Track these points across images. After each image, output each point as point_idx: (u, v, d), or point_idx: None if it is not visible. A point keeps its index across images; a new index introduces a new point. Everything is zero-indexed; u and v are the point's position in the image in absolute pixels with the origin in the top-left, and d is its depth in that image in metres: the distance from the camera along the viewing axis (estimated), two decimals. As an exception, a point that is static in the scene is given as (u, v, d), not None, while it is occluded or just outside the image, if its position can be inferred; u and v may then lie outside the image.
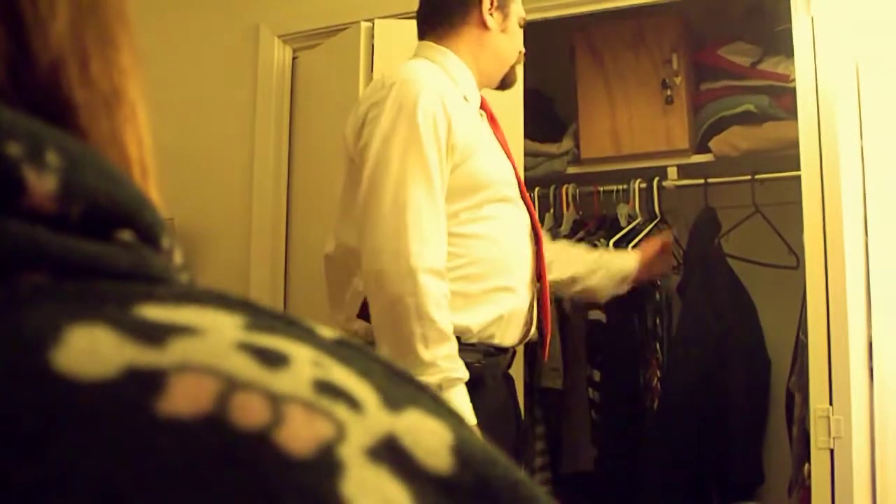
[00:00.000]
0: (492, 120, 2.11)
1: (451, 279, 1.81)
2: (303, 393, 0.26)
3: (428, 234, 1.77)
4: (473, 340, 1.88)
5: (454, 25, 2.05)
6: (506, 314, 1.93)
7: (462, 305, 1.85)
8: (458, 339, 1.81)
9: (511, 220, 1.99)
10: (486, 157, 1.95)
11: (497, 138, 2.08)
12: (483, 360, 1.89)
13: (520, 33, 2.11)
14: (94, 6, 0.33)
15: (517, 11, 2.08)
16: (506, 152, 2.07)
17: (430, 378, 1.69)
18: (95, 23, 0.33)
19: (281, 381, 0.26)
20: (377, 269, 1.76)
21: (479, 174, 1.91)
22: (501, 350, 1.96)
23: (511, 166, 2.06)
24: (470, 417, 1.69)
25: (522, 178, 2.15)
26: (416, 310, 1.72)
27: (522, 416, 2.22)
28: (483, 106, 2.10)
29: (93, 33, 0.32)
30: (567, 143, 3.07)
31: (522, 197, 2.06)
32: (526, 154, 2.71)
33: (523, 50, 2.13)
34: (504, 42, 2.06)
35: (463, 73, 2.02)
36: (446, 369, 1.73)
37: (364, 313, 1.86)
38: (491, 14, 2.03)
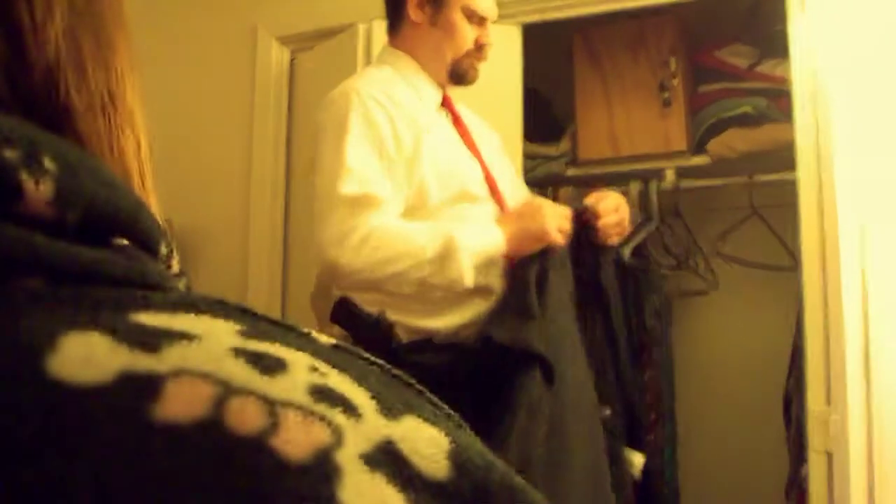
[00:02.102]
0: (456, 121, 2.07)
1: (430, 284, 1.83)
2: (299, 398, 0.26)
3: (346, 230, 1.78)
4: (453, 340, 1.87)
5: (395, 26, 2.08)
6: (483, 315, 1.89)
7: (433, 311, 1.85)
8: (431, 340, 1.81)
9: (478, 219, 1.94)
10: (435, 157, 1.93)
11: (463, 139, 2.05)
12: (461, 357, 1.86)
13: (465, 26, 2.00)
14: (90, 10, 0.33)
15: (461, 3, 2.00)
16: (474, 153, 2.03)
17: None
18: (92, 26, 0.33)
19: (277, 387, 0.26)
20: (321, 269, 1.86)
21: (427, 174, 1.90)
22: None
23: (480, 166, 2.01)
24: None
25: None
26: (371, 280, 1.80)
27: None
28: (447, 104, 2.07)
29: (89, 37, 0.32)
30: (565, 145, 3.08)
31: (496, 197, 2.01)
32: (524, 156, 2.71)
33: (485, 42, 2.02)
34: (438, 36, 2.01)
35: (415, 73, 2.02)
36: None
37: (335, 317, 1.84)
38: (420, 8, 2.01)
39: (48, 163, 0.27)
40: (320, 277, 1.94)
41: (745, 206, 2.81)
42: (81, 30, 0.32)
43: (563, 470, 1.80)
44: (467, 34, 2.01)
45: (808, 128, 2.21)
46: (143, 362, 0.25)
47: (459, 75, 2.03)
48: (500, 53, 2.56)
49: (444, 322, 1.87)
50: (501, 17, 2.67)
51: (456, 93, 2.10)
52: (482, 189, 1.99)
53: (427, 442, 0.27)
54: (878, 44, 2.20)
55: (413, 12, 2.01)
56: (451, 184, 1.93)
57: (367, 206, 1.80)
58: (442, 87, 2.06)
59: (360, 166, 1.82)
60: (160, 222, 0.31)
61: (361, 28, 2.69)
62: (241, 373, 0.26)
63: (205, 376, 0.25)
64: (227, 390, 0.25)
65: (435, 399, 0.30)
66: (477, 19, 2.02)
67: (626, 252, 2.75)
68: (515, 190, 2.13)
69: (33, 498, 0.23)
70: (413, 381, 0.30)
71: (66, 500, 0.23)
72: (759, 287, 2.96)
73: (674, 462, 2.86)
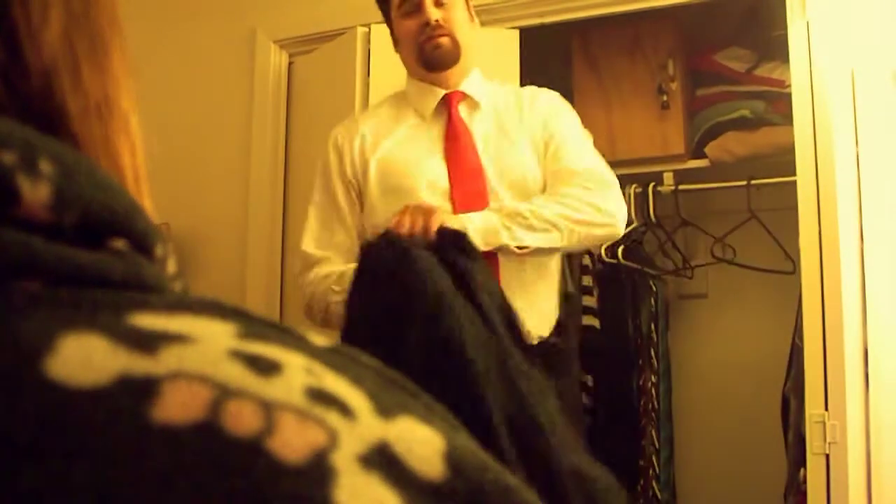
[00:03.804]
0: (450, 120, 2.10)
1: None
2: (295, 400, 0.26)
3: (309, 246, 2.11)
4: None
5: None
6: None
7: None
8: None
9: None
10: (384, 164, 2.08)
11: (445, 140, 2.08)
12: None
13: (404, 23, 2.11)
14: (86, 14, 0.33)
15: (393, 8, 2.14)
16: (449, 153, 2.06)
17: None
18: (88, 30, 0.33)
19: (273, 389, 0.26)
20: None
21: (372, 184, 2.08)
22: None
23: (443, 166, 2.04)
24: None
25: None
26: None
27: None
28: (449, 104, 2.11)
29: (85, 41, 0.33)
30: (563, 149, 3.07)
31: (452, 194, 2.01)
32: (522, 159, 2.71)
33: (425, 20, 2.06)
34: (402, 51, 2.16)
35: (412, 89, 2.17)
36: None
37: None
38: (393, 43, 2.19)
39: (45, 166, 0.27)
40: None
41: (743, 210, 2.82)
42: (77, 34, 0.32)
43: None
44: (409, 28, 2.10)
45: (808, 131, 2.21)
46: (140, 364, 0.25)
47: (427, 62, 2.10)
48: (498, 57, 2.57)
49: None
50: (499, 21, 2.68)
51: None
52: (432, 186, 2.02)
53: (422, 443, 0.27)
54: (878, 46, 2.21)
55: (394, 48, 2.20)
56: (388, 181, 2.06)
57: (312, 265, 2.09)
58: (441, 84, 2.11)
59: (317, 228, 2.13)
60: (156, 225, 0.31)
61: (360, 32, 2.69)
62: (238, 375, 0.26)
63: (202, 379, 0.25)
64: (224, 393, 0.25)
65: (430, 400, 0.30)
66: (409, 8, 2.09)
67: (619, 253, 2.75)
68: (530, 184, 2.08)
69: (33, 499, 0.23)
70: (408, 382, 0.30)
71: (66, 501, 0.23)
72: (757, 290, 2.96)
73: (671, 465, 2.86)
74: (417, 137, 2.11)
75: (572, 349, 2.22)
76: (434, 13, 2.06)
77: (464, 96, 2.13)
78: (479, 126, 2.11)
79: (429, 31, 2.06)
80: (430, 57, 2.08)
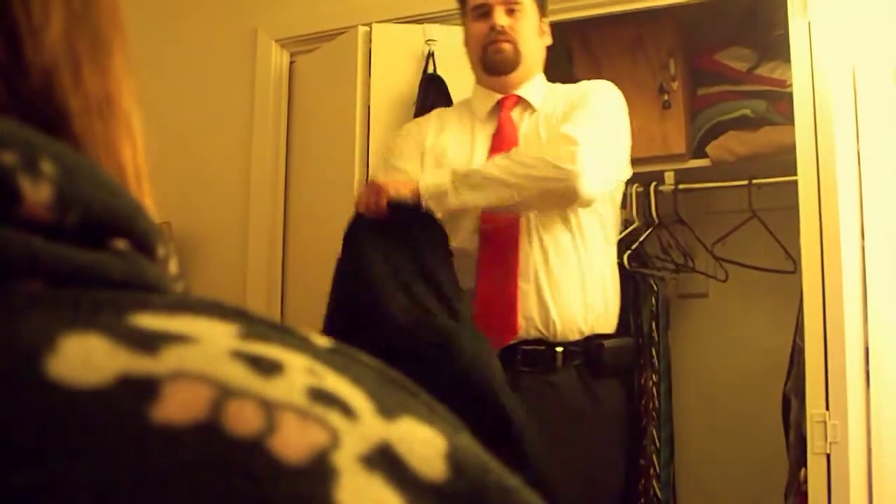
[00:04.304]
0: (502, 120, 2.20)
1: None
2: (297, 400, 0.26)
3: None
4: None
5: None
6: None
7: None
8: None
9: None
10: (434, 155, 2.20)
11: (494, 138, 2.19)
12: None
13: (473, 25, 2.21)
14: (87, 13, 0.33)
15: (468, 8, 2.23)
16: (492, 150, 2.15)
17: None
18: (89, 30, 0.33)
19: (275, 389, 0.26)
20: None
21: (427, 169, 2.17)
22: None
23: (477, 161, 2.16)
24: None
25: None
26: None
27: None
28: (503, 107, 2.22)
29: (86, 40, 0.33)
30: (564, 148, 3.08)
31: None
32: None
33: (493, 25, 2.16)
34: (468, 52, 2.27)
35: (474, 92, 2.29)
36: None
37: None
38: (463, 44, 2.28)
39: (46, 166, 0.27)
40: None
41: (744, 209, 2.81)
42: (78, 33, 0.32)
43: None
44: (477, 31, 2.20)
45: (809, 130, 2.21)
46: (141, 364, 0.25)
47: (489, 66, 2.21)
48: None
49: None
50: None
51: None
52: None
53: (423, 443, 0.27)
54: (879, 45, 2.21)
55: (465, 45, 2.29)
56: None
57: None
58: (498, 89, 2.22)
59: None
60: (157, 225, 0.31)
61: (361, 31, 2.69)
62: (239, 375, 0.26)
63: (203, 378, 0.25)
64: (225, 392, 0.25)
65: (431, 401, 0.30)
66: (481, 12, 2.18)
67: (624, 256, 2.75)
68: None
69: (33, 500, 0.23)
70: (409, 382, 0.30)
71: (66, 501, 0.23)
72: (758, 290, 2.96)
73: (671, 464, 2.86)
74: (470, 135, 2.22)
75: (623, 348, 2.25)
76: (502, 19, 2.17)
77: (519, 100, 2.22)
78: (526, 127, 2.20)
79: (493, 36, 2.17)
80: (490, 60, 2.20)
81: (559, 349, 2.06)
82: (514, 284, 2.06)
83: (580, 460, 2.02)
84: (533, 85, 2.23)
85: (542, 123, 2.17)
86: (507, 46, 2.17)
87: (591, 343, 2.09)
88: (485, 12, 2.17)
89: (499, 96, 2.22)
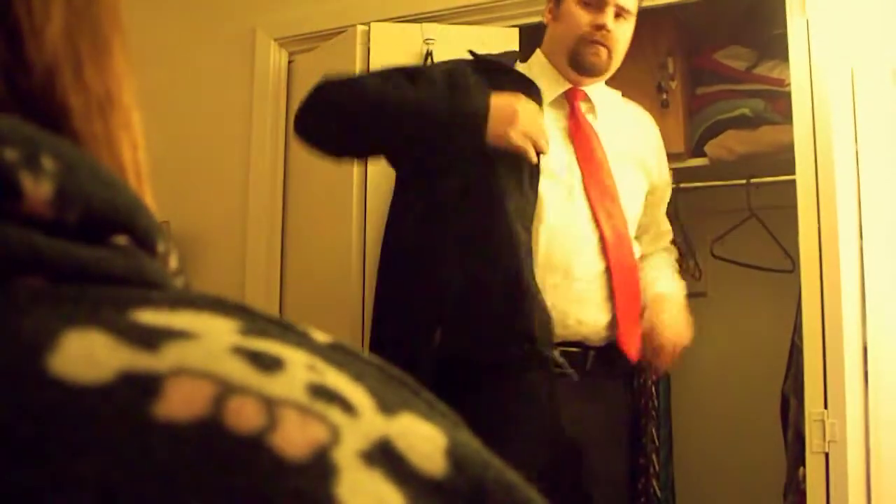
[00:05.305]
0: (571, 114, 2.14)
1: None
2: (297, 397, 0.26)
3: None
4: None
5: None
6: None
7: None
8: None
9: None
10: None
11: (567, 130, 2.12)
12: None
13: (578, 12, 2.06)
14: (88, 11, 0.33)
15: None
16: (579, 145, 2.10)
17: None
18: (90, 28, 0.33)
19: (275, 386, 0.26)
20: None
21: None
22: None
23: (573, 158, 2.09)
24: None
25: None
26: None
27: None
28: (571, 98, 2.15)
29: (87, 38, 0.33)
30: (563, 147, 3.07)
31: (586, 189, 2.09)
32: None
33: (602, 24, 2.04)
34: (559, 29, 2.11)
35: (541, 70, 2.14)
36: None
37: None
38: (548, 11, 2.16)
39: (47, 162, 0.27)
40: None
41: (742, 208, 2.82)
42: (79, 31, 0.32)
43: None
44: (580, 19, 2.05)
45: (807, 130, 2.21)
46: (143, 361, 0.25)
47: (579, 63, 2.09)
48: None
49: None
50: (499, 19, 2.68)
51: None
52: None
53: (424, 439, 0.27)
54: (878, 45, 2.21)
55: (545, 16, 2.17)
56: None
57: None
58: (571, 80, 2.13)
59: None
60: (158, 221, 0.31)
61: (360, 30, 2.69)
62: (240, 371, 0.26)
63: (204, 375, 0.25)
64: (226, 389, 0.25)
65: (431, 397, 0.30)
66: (595, 4, 2.05)
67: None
68: (631, 201, 2.16)
69: (35, 498, 0.23)
70: (410, 379, 0.30)
71: (69, 500, 0.23)
72: (756, 289, 2.96)
73: (670, 463, 2.86)
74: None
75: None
76: (612, 20, 2.05)
77: (585, 96, 2.16)
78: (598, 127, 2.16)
79: (596, 35, 2.05)
80: (583, 59, 2.08)
81: (591, 352, 2.06)
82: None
83: (605, 461, 2.09)
84: (599, 86, 2.18)
85: (604, 133, 2.14)
86: (604, 52, 2.07)
87: (608, 344, 2.09)
88: (596, 4, 2.04)
89: (568, 86, 2.13)
